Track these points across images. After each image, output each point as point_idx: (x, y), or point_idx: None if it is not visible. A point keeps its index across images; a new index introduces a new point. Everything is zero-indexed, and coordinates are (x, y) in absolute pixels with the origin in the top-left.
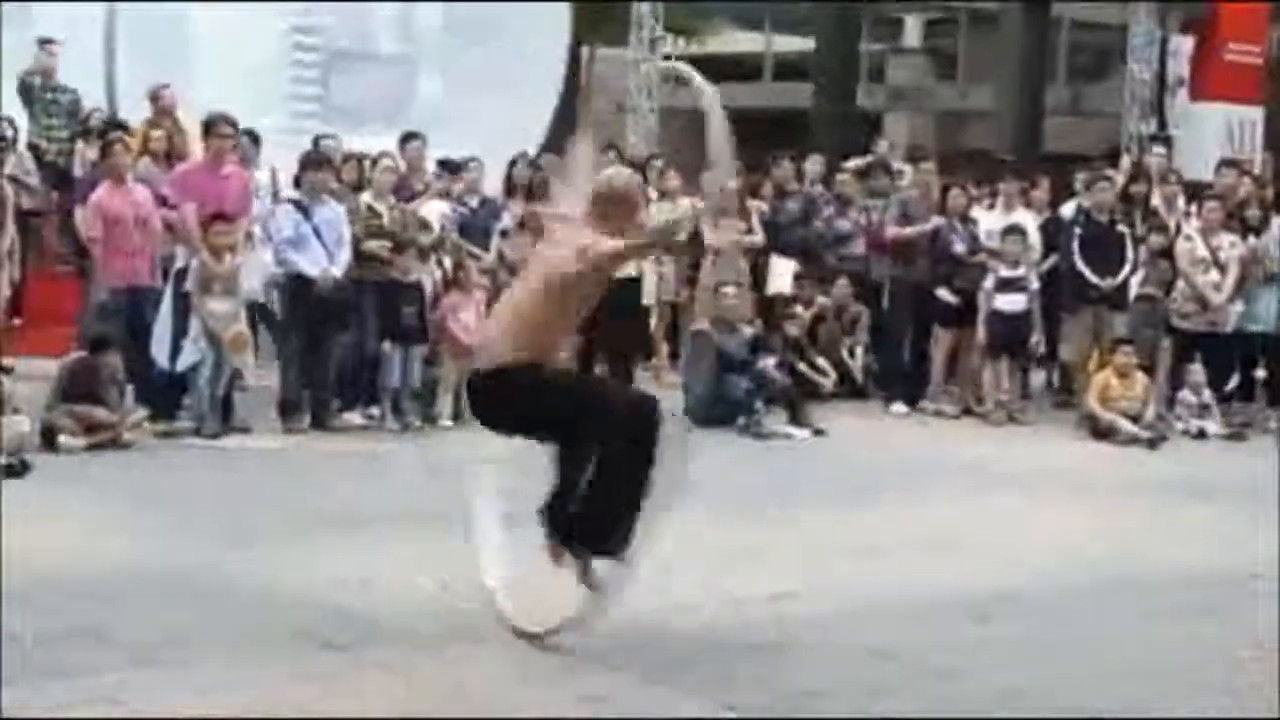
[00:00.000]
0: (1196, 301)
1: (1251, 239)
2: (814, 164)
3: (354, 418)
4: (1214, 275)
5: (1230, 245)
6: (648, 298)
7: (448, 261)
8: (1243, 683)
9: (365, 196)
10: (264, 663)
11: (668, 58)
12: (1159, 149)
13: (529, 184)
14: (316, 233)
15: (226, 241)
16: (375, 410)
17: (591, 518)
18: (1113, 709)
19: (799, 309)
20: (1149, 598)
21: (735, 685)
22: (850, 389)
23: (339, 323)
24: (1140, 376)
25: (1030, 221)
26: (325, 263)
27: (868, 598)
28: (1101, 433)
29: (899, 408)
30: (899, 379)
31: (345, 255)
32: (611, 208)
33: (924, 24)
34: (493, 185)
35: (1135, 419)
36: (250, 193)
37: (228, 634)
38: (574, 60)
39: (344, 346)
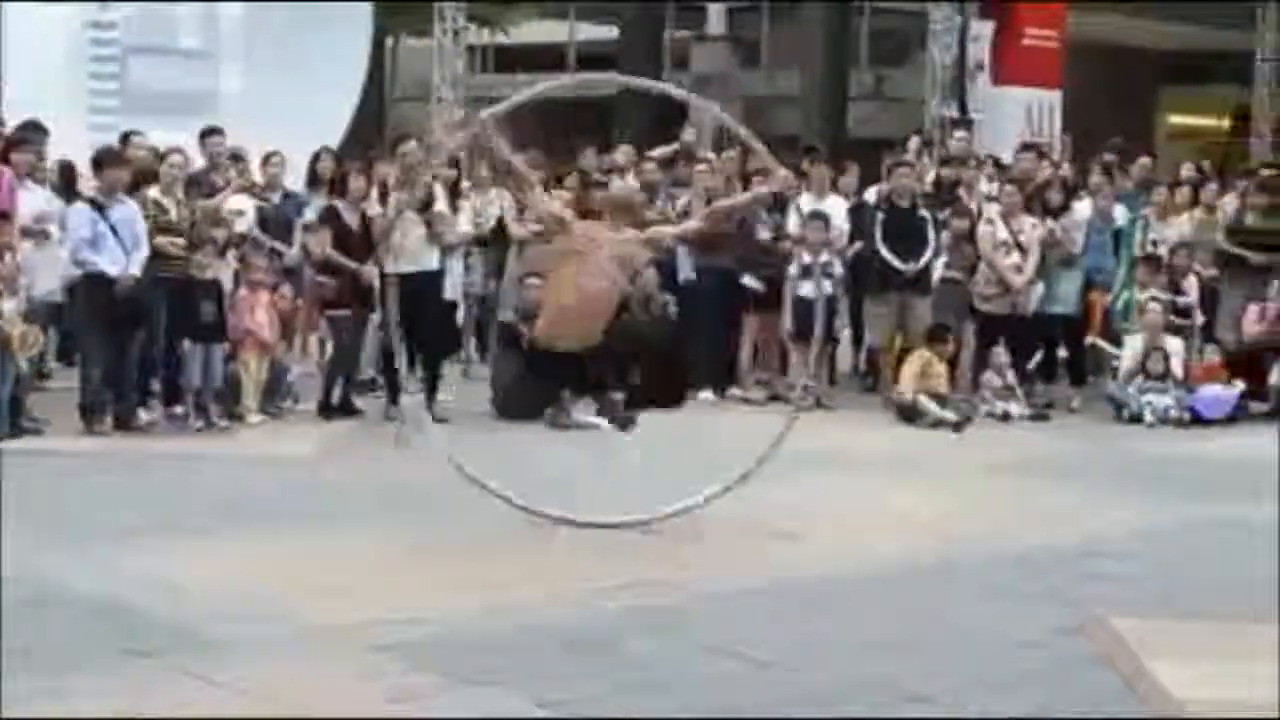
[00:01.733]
0: (998, 284)
1: (1050, 221)
2: (624, 154)
3: (157, 417)
4: (1015, 258)
5: (1031, 228)
6: (453, 291)
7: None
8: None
9: (152, 192)
10: (66, 671)
11: (471, 48)
12: (960, 133)
13: (332, 177)
14: (114, 231)
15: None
16: (179, 409)
17: None
18: (951, 694)
19: None
20: (984, 579)
21: (558, 682)
22: None
23: (137, 322)
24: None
25: (839, 207)
26: (123, 262)
27: (696, 590)
28: (908, 416)
29: (707, 395)
30: (706, 367)
31: (143, 254)
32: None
33: (727, 11)
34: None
35: (940, 401)
36: (13, 190)
37: (27, 642)
38: (377, 52)
39: (143, 345)
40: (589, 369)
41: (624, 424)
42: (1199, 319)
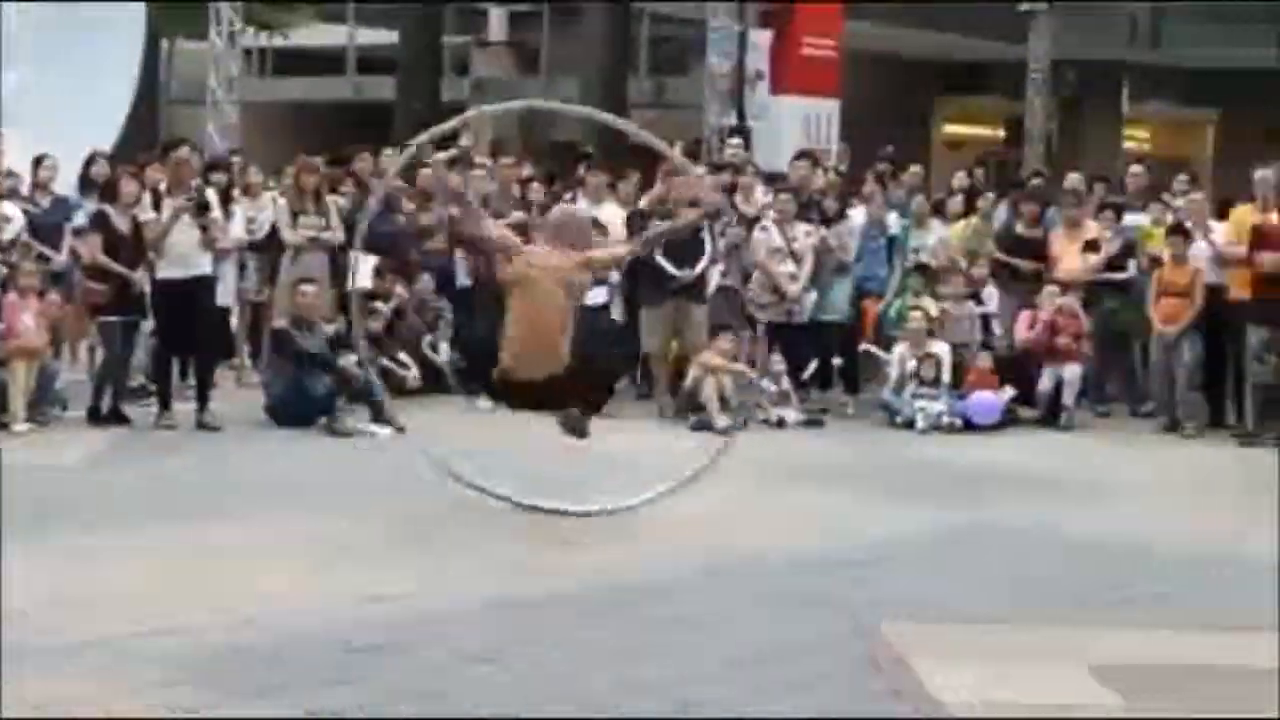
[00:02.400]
0: (773, 292)
1: (823, 230)
2: (390, 160)
3: None
4: (789, 265)
5: (805, 235)
6: (226, 297)
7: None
8: (845, 666)
9: None
10: None
11: (248, 51)
12: (735, 141)
13: (104, 182)
14: None
15: None
16: None
17: None
18: (727, 699)
19: (379, 304)
20: (755, 585)
21: (326, 690)
22: (435, 385)
23: None
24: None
25: (617, 213)
26: None
27: (470, 597)
28: (696, 422)
29: (484, 403)
30: (483, 374)
31: None
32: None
33: (508, 17)
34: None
35: (719, 408)
36: None
37: None
38: (152, 55)
39: None
40: (556, 396)
41: (581, 433)
42: (998, 329)
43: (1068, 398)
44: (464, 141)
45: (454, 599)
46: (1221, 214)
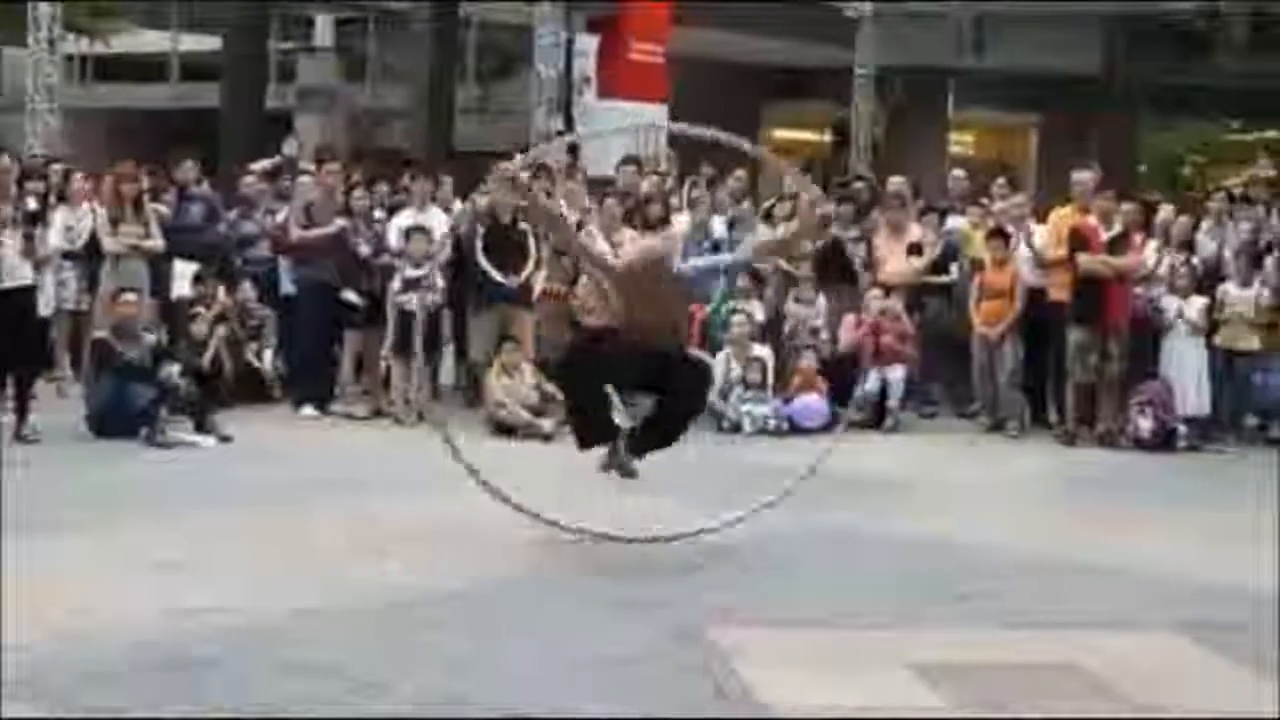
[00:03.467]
0: (599, 297)
1: (652, 235)
2: (187, 171)
3: None
4: None
5: (630, 241)
6: (46, 307)
7: None
8: (672, 671)
9: None
10: None
11: (70, 58)
12: (561, 142)
13: None
14: None
15: None
16: None
17: None
18: (552, 704)
19: (201, 310)
20: (582, 591)
21: (151, 704)
22: (259, 393)
23: None
24: (528, 370)
25: (441, 220)
26: None
27: (293, 607)
28: (506, 429)
29: (309, 410)
30: (308, 382)
31: None
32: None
33: (334, 24)
34: None
35: (538, 412)
36: None
37: None
38: None
39: None
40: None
41: (223, 439)
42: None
43: (893, 400)
44: (288, 150)
45: (276, 610)
46: (1044, 217)
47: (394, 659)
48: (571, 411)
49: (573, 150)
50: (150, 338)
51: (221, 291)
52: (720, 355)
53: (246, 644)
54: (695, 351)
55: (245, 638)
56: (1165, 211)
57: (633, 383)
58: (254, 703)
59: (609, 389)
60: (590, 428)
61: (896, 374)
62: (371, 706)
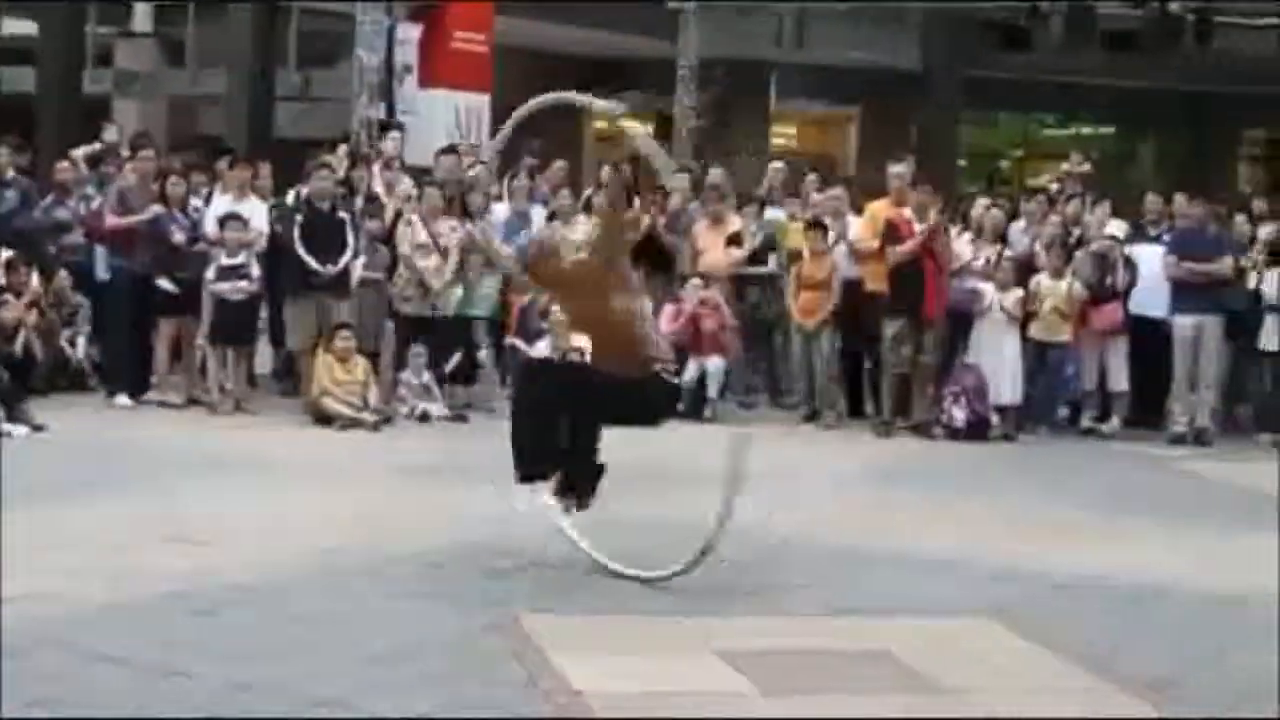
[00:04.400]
0: (418, 286)
1: (469, 224)
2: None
3: None
4: (435, 260)
5: (450, 230)
6: None
7: None
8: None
9: None
10: None
11: None
12: (394, 134)
13: None
14: None
15: None
16: None
17: None
18: (358, 696)
19: (10, 298)
20: (389, 581)
21: None
22: (72, 382)
23: None
24: (360, 361)
25: (258, 208)
26: None
27: (96, 598)
28: (325, 418)
29: (123, 400)
30: (122, 370)
31: None
32: None
33: (154, 9)
34: None
35: (362, 402)
36: None
37: None
38: None
39: None
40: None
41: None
42: None
43: (712, 389)
44: (108, 136)
45: (69, 601)
46: (862, 210)
47: (199, 649)
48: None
49: (385, 130)
50: None
51: (35, 278)
52: (540, 344)
53: (37, 635)
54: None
55: (36, 629)
56: (978, 207)
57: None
58: (46, 696)
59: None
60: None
61: (715, 364)
62: (161, 695)
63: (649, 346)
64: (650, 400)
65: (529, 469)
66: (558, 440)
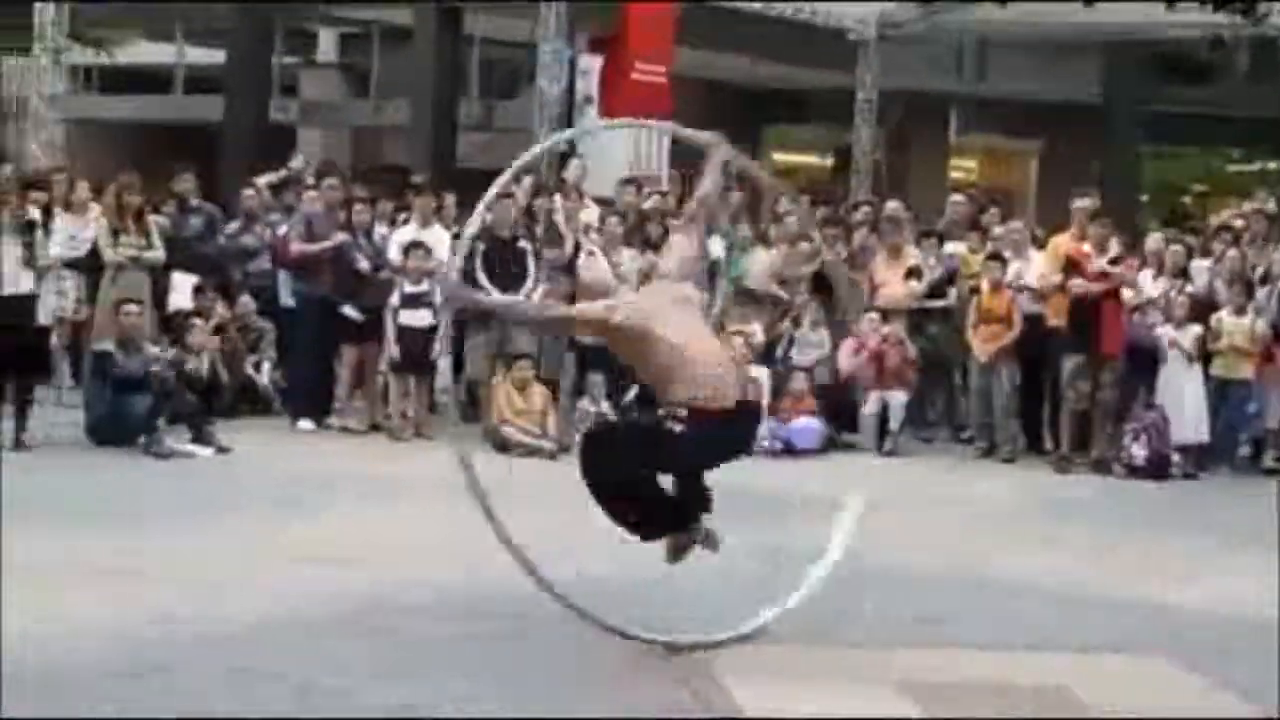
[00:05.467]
0: None
1: (651, 255)
2: (187, 183)
3: None
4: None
5: (630, 260)
6: (46, 316)
7: None
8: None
9: None
10: None
11: (75, 68)
12: (576, 163)
13: None
14: None
15: None
16: None
17: None
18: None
19: (198, 322)
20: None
21: (116, 711)
22: (256, 406)
23: None
24: (539, 389)
25: (443, 237)
26: None
27: (262, 617)
28: (504, 446)
29: (306, 424)
30: (305, 395)
31: None
32: None
33: (338, 39)
34: None
35: (540, 430)
36: None
37: None
38: None
39: None
40: None
41: (221, 450)
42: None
43: (894, 423)
44: (294, 164)
45: (235, 619)
46: (1044, 244)
47: (353, 669)
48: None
49: (565, 160)
50: (152, 349)
51: (220, 304)
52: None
53: (206, 652)
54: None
55: (204, 646)
56: (1153, 240)
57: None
58: (218, 708)
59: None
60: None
61: (898, 398)
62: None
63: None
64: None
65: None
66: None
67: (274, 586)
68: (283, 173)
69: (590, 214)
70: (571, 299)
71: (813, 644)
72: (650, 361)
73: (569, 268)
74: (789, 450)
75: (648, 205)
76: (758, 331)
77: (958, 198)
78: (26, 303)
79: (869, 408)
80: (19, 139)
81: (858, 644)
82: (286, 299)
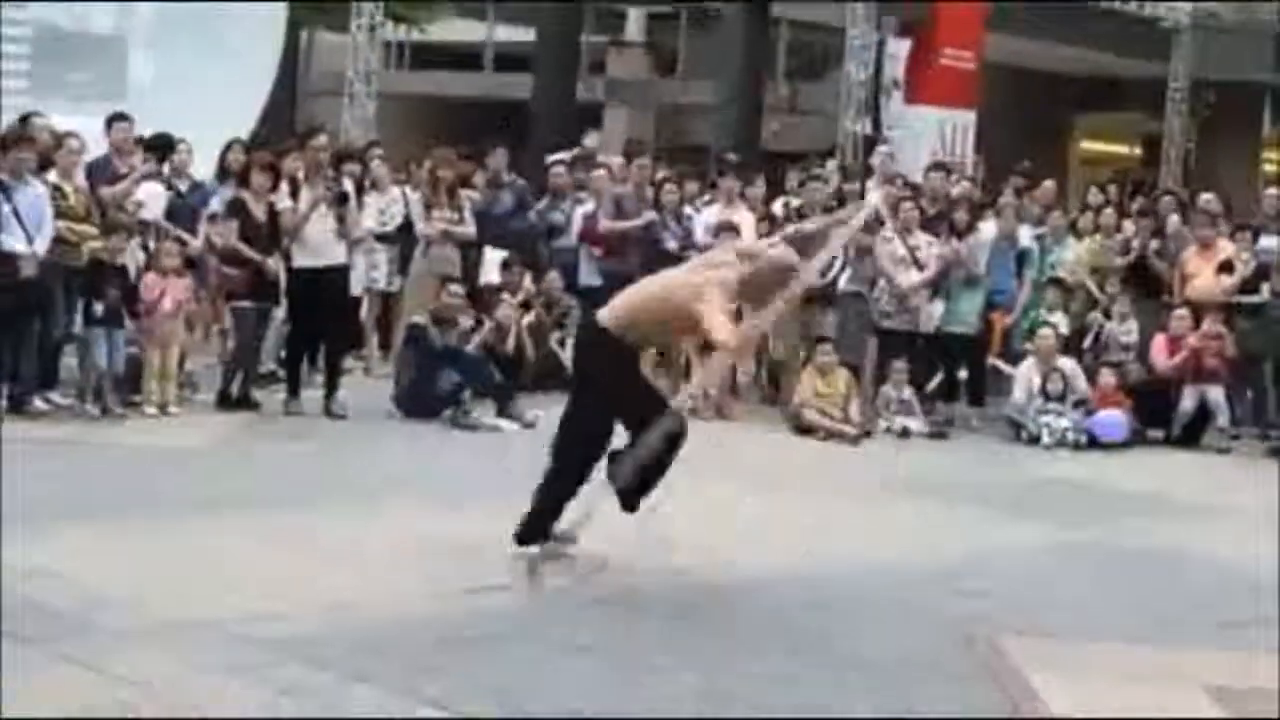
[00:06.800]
0: (897, 300)
1: (955, 241)
2: (498, 160)
3: (53, 402)
4: (914, 275)
5: (928, 245)
6: (357, 286)
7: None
8: (957, 679)
9: (51, 176)
10: None
11: (388, 45)
12: (884, 148)
13: (240, 169)
14: (16, 214)
15: None
16: (69, 396)
17: None
18: (824, 703)
19: (508, 297)
20: (864, 593)
21: (438, 680)
22: (562, 382)
23: (39, 305)
24: (842, 373)
25: (748, 218)
26: (25, 244)
27: (565, 591)
28: (805, 429)
29: None
30: None
31: (47, 236)
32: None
33: (646, 18)
34: (205, 169)
35: (843, 415)
36: None
37: None
38: (292, 45)
39: (40, 332)
40: None
41: (526, 425)
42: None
43: (1222, 420)
44: (588, 142)
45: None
46: None
47: (659, 647)
48: None
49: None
50: (466, 323)
51: (528, 279)
52: (1023, 365)
53: (521, 624)
54: None
55: (519, 618)
56: None
57: None
58: (541, 679)
59: None
60: None
61: (1217, 394)
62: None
63: None
64: None
65: None
66: None
67: (583, 559)
68: (575, 150)
69: (873, 198)
70: (873, 284)
71: (1116, 641)
72: None
73: (872, 250)
74: (1093, 442)
75: (955, 191)
76: (1063, 322)
77: (1273, 191)
78: (340, 274)
79: (1186, 403)
80: (333, 113)
81: (1161, 644)
82: (587, 277)
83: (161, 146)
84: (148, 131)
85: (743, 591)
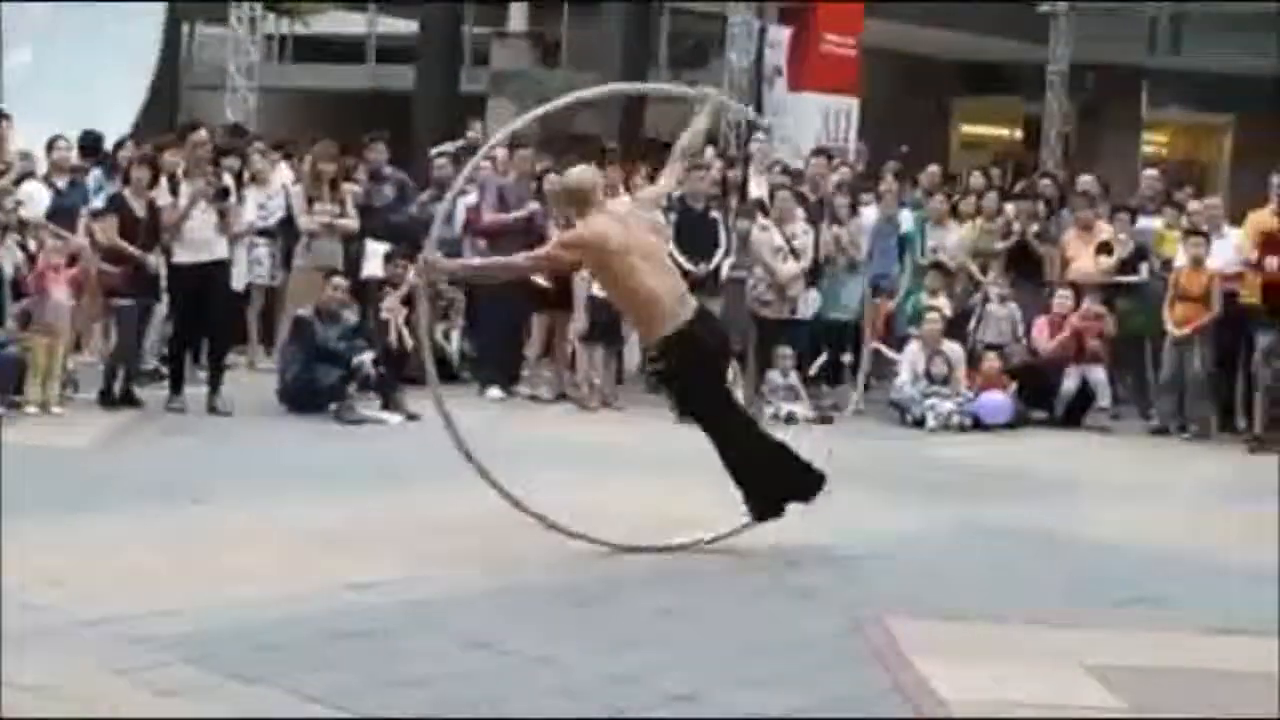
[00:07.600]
0: (774, 289)
1: (836, 228)
2: (379, 152)
3: None
4: (791, 263)
5: (804, 233)
6: (239, 281)
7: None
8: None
9: None
10: None
11: (269, 37)
12: (760, 136)
13: (127, 165)
14: None
15: None
16: None
17: None
18: (713, 693)
19: (390, 290)
20: (755, 578)
21: (324, 676)
22: (446, 374)
23: None
24: None
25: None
26: None
27: (461, 584)
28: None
29: (495, 392)
30: (495, 363)
31: None
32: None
33: (528, 9)
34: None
35: None
36: None
37: None
38: (173, 39)
39: None
40: None
41: (410, 417)
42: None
43: (1103, 400)
44: (471, 133)
45: (441, 586)
46: (1238, 220)
47: (562, 638)
48: None
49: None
50: (351, 318)
51: (411, 272)
52: (908, 349)
53: (409, 618)
54: None
55: (406, 612)
56: None
57: None
58: (427, 673)
59: None
60: None
61: (1099, 374)
62: (542, 683)
63: None
64: None
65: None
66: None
67: (476, 552)
68: (460, 142)
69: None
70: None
71: (1005, 622)
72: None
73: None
74: (977, 425)
75: (835, 177)
76: (946, 306)
77: (1151, 172)
78: (221, 269)
79: (1068, 384)
80: (214, 107)
81: (1051, 623)
82: None
83: (93, 145)
84: (25, 127)
85: (640, 582)
